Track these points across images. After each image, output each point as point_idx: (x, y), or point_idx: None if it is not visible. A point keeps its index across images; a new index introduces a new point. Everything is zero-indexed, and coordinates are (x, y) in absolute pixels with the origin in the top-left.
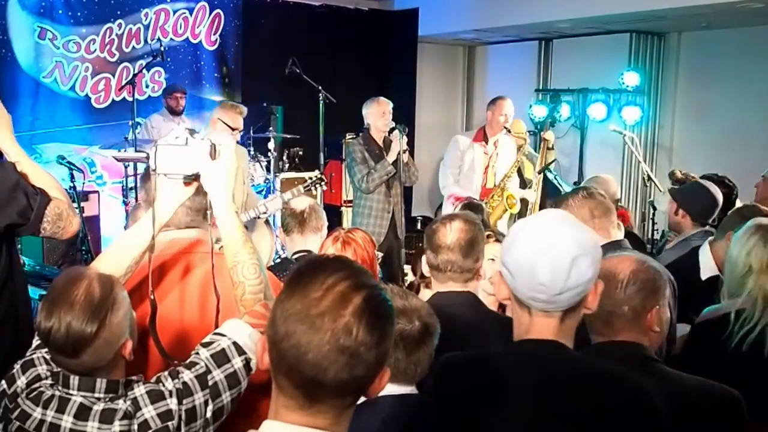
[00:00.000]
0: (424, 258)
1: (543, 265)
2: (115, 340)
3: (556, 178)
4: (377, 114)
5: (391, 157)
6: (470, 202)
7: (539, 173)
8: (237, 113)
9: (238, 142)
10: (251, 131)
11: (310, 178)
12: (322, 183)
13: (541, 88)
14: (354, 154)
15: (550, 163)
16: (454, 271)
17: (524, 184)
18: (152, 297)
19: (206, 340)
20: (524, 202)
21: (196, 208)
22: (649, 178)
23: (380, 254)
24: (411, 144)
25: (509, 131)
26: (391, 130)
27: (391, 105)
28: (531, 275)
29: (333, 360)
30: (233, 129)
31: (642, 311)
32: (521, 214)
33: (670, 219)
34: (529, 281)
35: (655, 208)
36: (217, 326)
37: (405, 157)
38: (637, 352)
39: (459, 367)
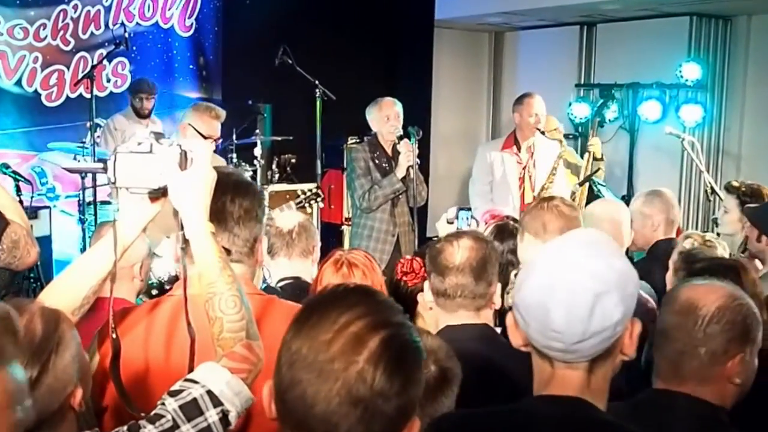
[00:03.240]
0: (426, 284)
1: (556, 308)
2: (60, 387)
3: (599, 192)
4: (380, 120)
5: (400, 172)
6: (504, 223)
7: (581, 185)
8: (211, 117)
9: (215, 151)
10: (234, 135)
11: (303, 193)
12: (319, 199)
13: (582, 82)
14: (356, 163)
15: (594, 172)
16: (464, 296)
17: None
18: (114, 336)
19: (175, 387)
20: None
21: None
22: (713, 191)
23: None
24: (426, 151)
25: (543, 133)
26: (400, 138)
27: (398, 107)
28: (543, 320)
29: (344, 414)
30: (206, 137)
31: (722, 357)
32: None
33: (752, 245)
34: (542, 327)
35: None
36: (191, 370)
37: (413, 172)
38: (704, 412)
39: (451, 430)
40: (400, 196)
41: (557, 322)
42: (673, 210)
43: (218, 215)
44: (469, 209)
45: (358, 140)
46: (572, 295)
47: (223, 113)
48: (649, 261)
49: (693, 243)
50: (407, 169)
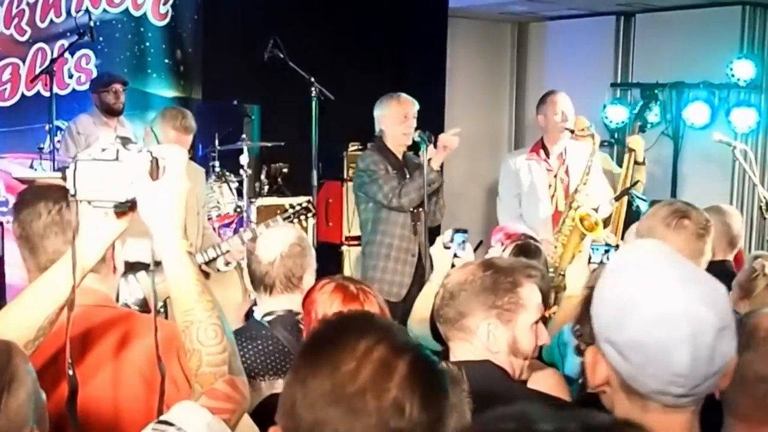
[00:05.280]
0: None
1: (680, 348)
2: (14, 430)
3: (638, 209)
4: (396, 118)
5: (436, 162)
6: (525, 243)
7: (617, 200)
8: (175, 129)
9: (192, 158)
10: (216, 140)
11: (292, 206)
12: (309, 214)
13: (619, 82)
14: (375, 167)
15: (633, 185)
16: (440, 323)
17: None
18: (71, 372)
19: (146, 430)
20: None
21: None
22: None
23: None
24: None
25: (573, 132)
26: (414, 146)
27: (416, 106)
28: (663, 364)
29: None
30: None
31: None
32: None
33: None
34: (660, 371)
35: None
36: (161, 412)
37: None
38: None
39: None
40: (419, 215)
41: (682, 364)
42: (732, 230)
43: (56, 226)
44: (465, 231)
45: (360, 147)
46: (698, 331)
47: (191, 125)
48: None
49: (764, 265)
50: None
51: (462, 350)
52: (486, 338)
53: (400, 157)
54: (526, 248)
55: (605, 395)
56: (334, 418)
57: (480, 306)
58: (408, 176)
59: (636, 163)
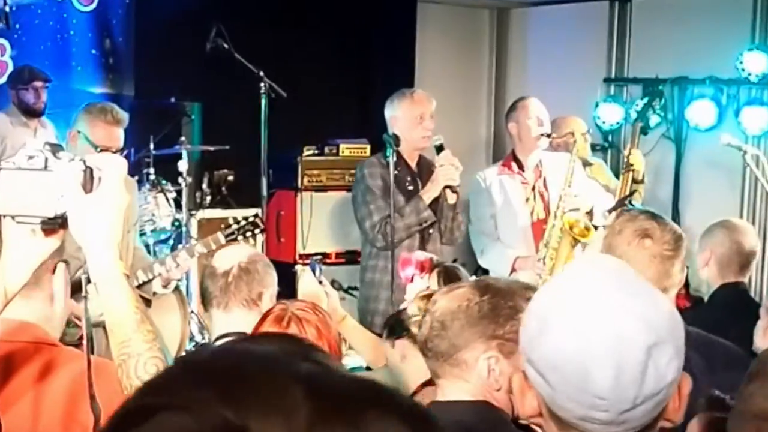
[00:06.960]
0: None
1: (600, 367)
2: None
3: None
4: (410, 120)
5: (430, 194)
6: (449, 268)
7: (611, 212)
8: (106, 122)
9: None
10: (151, 143)
11: (236, 221)
12: (257, 230)
13: (613, 76)
14: (371, 181)
15: (630, 194)
16: (426, 356)
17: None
18: None
19: None
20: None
21: None
22: None
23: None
24: None
25: (549, 136)
26: (439, 149)
27: (433, 104)
28: (581, 384)
29: None
30: (104, 149)
31: None
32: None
33: None
34: (579, 393)
35: None
36: None
37: (451, 195)
38: None
39: None
40: (431, 230)
41: (603, 385)
42: (743, 248)
43: None
44: (317, 261)
45: (316, 151)
46: (622, 348)
47: (123, 116)
48: (711, 310)
49: None
50: (443, 191)
51: (455, 389)
52: (487, 374)
53: (414, 164)
54: (453, 273)
55: (541, 429)
56: None
57: (478, 337)
58: (422, 187)
59: (635, 181)
